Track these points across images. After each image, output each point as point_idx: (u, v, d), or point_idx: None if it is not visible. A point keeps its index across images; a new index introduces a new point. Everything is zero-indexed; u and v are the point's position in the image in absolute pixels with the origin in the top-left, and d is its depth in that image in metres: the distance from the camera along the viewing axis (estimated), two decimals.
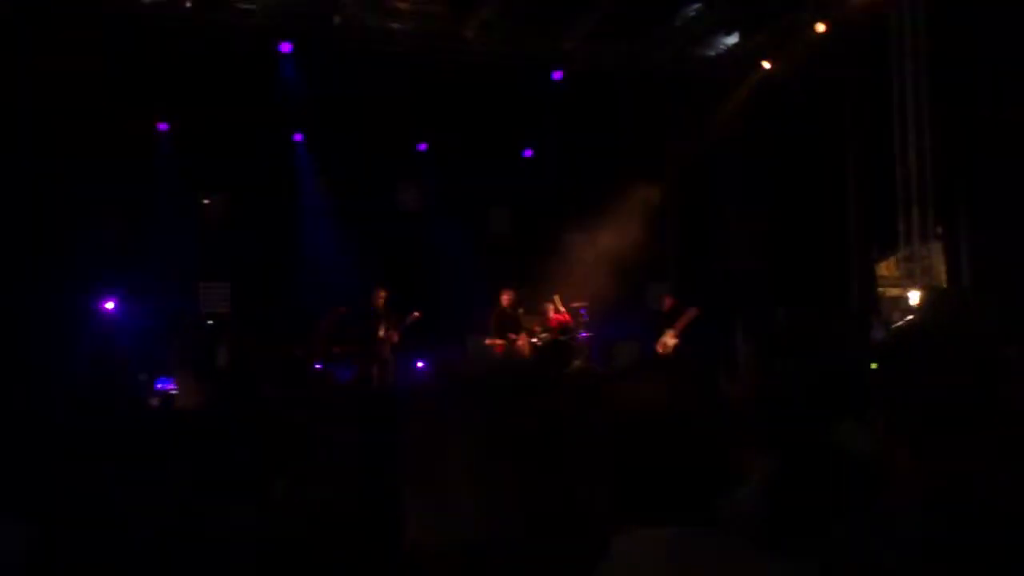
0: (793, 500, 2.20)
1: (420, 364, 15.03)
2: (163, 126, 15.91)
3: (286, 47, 15.20)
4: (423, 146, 17.77)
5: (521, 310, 14.36)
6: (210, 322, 13.86)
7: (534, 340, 14.41)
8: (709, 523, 1.56)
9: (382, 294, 14.18)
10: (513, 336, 14.05)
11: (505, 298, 14.20)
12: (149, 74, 14.45)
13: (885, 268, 16.81)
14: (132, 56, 14.17)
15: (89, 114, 13.96)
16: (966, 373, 1.83)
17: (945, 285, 14.62)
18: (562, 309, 15.01)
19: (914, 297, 14.17)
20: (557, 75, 16.63)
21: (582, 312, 15.55)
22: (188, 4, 14.23)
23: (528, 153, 18.44)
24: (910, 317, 14.17)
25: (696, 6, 15.75)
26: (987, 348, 1.94)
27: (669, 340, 14.53)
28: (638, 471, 1.57)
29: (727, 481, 1.66)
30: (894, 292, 15.86)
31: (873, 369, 2.00)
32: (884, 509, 1.72)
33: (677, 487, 1.57)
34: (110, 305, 14.62)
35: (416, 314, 14.32)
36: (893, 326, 12.46)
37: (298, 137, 17.04)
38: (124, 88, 14.33)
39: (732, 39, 16.77)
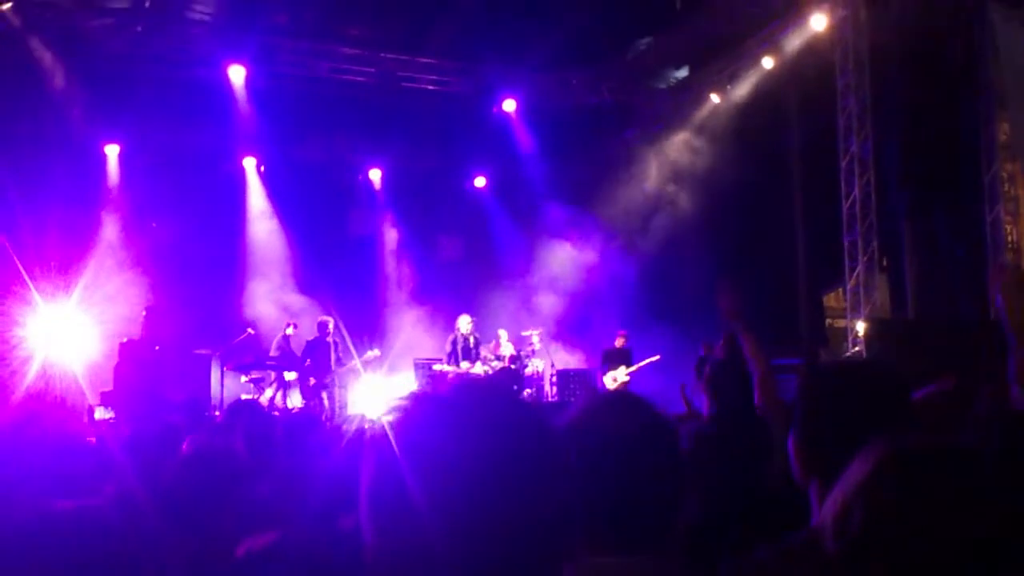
0: (716, 533, 2.25)
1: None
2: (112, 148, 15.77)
3: (237, 71, 15.14)
4: (375, 173, 17.79)
5: (475, 338, 14.35)
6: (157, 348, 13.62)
7: (486, 369, 14.39)
8: (659, 552, 1.59)
9: (330, 322, 14.08)
10: (468, 363, 14.02)
11: (462, 324, 14.18)
12: (98, 95, 14.31)
13: (833, 299, 17.06)
14: (81, 76, 14.05)
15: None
16: (870, 409, 1.89)
17: (889, 316, 14.87)
18: (507, 344, 14.98)
19: (860, 327, 14.39)
20: (509, 106, 16.75)
21: (532, 340, 15.57)
22: (139, 28, 14.14)
23: (479, 182, 18.55)
24: (857, 348, 14.42)
25: (647, 40, 16.00)
26: (892, 383, 2.00)
27: (620, 375, 14.62)
28: (596, 500, 1.59)
29: (676, 511, 1.68)
30: (841, 323, 16.08)
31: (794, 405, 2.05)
32: (801, 536, 1.76)
33: (630, 518, 1.59)
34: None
35: (376, 352, 14.22)
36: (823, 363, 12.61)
37: (249, 162, 16.96)
38: (73, 108, 14.19)
39: (682, 72, 17.04)
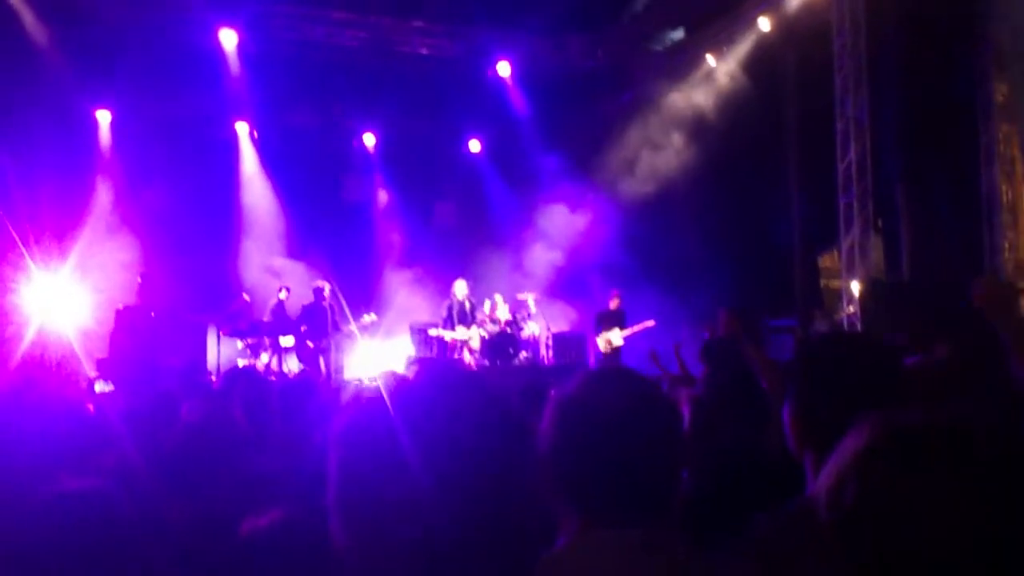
0: (715, 503, 2.27)
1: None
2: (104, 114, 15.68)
3: (229, 36, 15.02)
4: (369, 138, 17.72)
5: (470, 303, 14.35)
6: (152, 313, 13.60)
7: (482, 332, 14.41)
8: (661, 524, 1.60)
9: (326, 286, 14.06)
10: (464, 328, 14.04)
11: (457, 289, 14.18)
12: (89, 61, 14.21)
13: (828, 260, 17.07)
14: (71, 42, 13.94)
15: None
16: (868, 377, 1.91)
17: (884, 276, 14.90)
18: (503, 307, 14.98)
19: (855, 288, 14.43)
20: (503, 69, 16.65)
21: (528, 303, 15.59)
22: None
23: (473, 146, 18.49)
24: (851, 309, 14.46)
25: (642, 2, 15.87)
26: (887, 354, 2.02)
27: (615, 338, 14.63)
28: (593, 474, 1.60)
29: (677, 483, 1.69)
30: (837, 284, 16.11)
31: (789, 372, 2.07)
32: (795, 505, 1.78)
33: (627, 491, 1.60)
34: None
35: (372, 317, 14.23)
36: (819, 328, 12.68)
37: (242, 127, 16.87)
38: (64, 75, 14.09)
39: (678, 34, 16.92)
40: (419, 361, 12.83)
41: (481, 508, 1.19)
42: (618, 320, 14.76)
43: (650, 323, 14.70)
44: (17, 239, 13.78)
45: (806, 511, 1.74)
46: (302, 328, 13.65)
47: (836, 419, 1.69)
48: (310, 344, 13.59)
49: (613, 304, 14.92)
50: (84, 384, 10.92)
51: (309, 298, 14.06)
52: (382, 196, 17.76)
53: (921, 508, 1.39)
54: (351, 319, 13.95)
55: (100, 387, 10.85)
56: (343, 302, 13.97)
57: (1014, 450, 1.43)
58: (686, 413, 2.95)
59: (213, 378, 11.96)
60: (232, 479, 2.74)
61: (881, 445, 1.49)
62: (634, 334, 14.67)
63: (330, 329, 13.65)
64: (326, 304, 13.72)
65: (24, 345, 13.34)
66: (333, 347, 13.79)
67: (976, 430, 1.47)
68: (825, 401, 1.93)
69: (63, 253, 14.45)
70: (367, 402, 1.28)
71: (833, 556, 1.52)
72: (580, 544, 1.57)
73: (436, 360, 12.71)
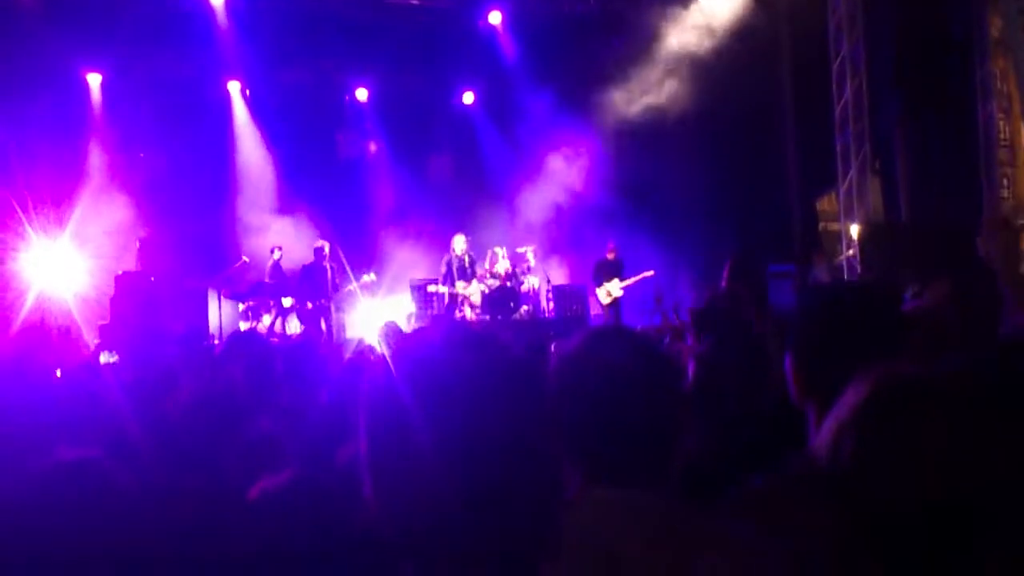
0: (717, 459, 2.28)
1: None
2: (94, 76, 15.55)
3: None
4: (362, 93, 17.58)
5: (469, 258, 14.33)
6: (152, 279, 13.60)
7: (482, 287, 14.41)
8: (661, 482, 1.62)
9: (326, 246, 14.04)
10: (464, 283, 14.03)
11: (456, 244, 14.15)
12: (77, 23, 14.06)
13: (827, 203, 17.03)
14: (58, 4, 13.79)
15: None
16: (872, 334, 1.92)
17: (882, 217, 14.88)
18: (503, 261, 14.97)
19: (853, 231, 14.42)
20: (495, 18, 16.48)
21: (527, 256, 15.58)
22: None
23: (467, 98, 18.35)
24: (850, 252, 14.46)
25: None
26: (888, 304, 2.02)
27: (614, 289, 14.65)
28: (595, 434, 1.62)
29: (679, 442, 1.70)
30: (835, 227, 16.09)
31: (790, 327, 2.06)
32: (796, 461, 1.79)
33: (634, 449, 1.61)
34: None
35: (372, 276, 14.22)
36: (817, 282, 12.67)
37: (234, 86, 16.73)
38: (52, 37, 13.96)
39: None
40: (433, 319, 12.86)
41: (500, 460, 1.21)
42: (616, 270, 14.77)
43: (649, 273, 14.73)
44: (15, 205, 13.75)
45: (806, 464, 1.75)
46: (303, 287, 13.66)
47: (837, 369, 1.70)
48: (309, 305, 13.61)
49: (610, 255, 14.91)
50: (89, 354, 10.94)
51: (306, 257, 14.05)
52: (377, 151, 17.65)
53: (918, 460, 1.42)
54: (352, 278, 13.95)
55: (105, 358, 10.87)
56: (344, 261, 13.96)
57: (1010, 402, 1.45)
58: (689, 367, 2.96)
59: (216, 342, 12.01)
60: (235, 444, 2.76)
61: (880, 399, 1.51)
62: (634, 284, 14.70)
63: (330, 289, 13.67)
64: (326, 264, 13.71)
65: (24, 312, 13.37)
66: (333, 307, 13.81)
67: (973, 384, 1.49)
68: (826, 352, 1.94)
69: (60, 219, 14.42)
70: (392, 363, 1.29)
71: (832, 507, 1.54)
72: (580, 502, 1.59)
73: (450, 320, 12.72)
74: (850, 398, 1.55)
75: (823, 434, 1.60)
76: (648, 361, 1.69)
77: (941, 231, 12.31)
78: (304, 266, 13.82)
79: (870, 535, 1.46)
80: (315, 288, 13.57)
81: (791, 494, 1.71)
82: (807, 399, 1.97)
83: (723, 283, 5.39)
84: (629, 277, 14.74)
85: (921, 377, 1.52)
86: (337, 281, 13.80)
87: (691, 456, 1.68)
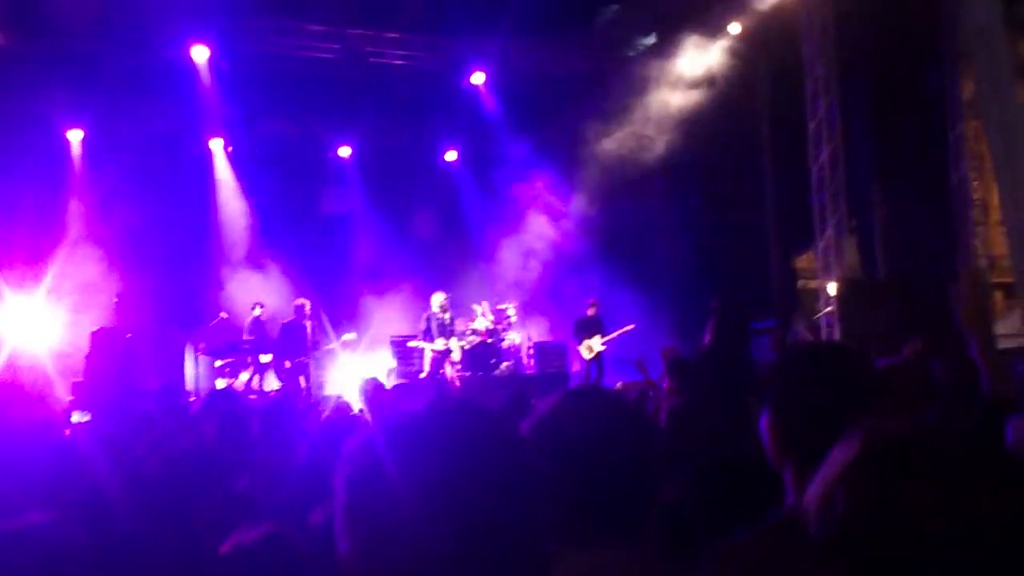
0: (701, 512, 2.27)
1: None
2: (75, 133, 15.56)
3: (201, 51, 14.93)
4: (345, 150, 17.68)
5: (449, 315, 14.31)
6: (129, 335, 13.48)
7: (463, 344, 14.40)
8: (638, 543, 1.60)
9: (306, 304, 13.98)
10: (443, 340, 13.99)
11: (434, 302, 14.14)
12: (59, 80, 14.09)
13: (805, 261, 17.16)
14: (40, 60, 13.83)
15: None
16: (843, 388, 1.92)
17: (859, 276, 15.01)
18: (482, 318, 14.99)
19: (831, 288, 14.51)
20: (478, 78, 16.67)
21: (508, 313, 15.60)
22: (98, 9, 13.91)
23: (450, 156, 18.50)
24: (829, 309, 14.54)
25: (614, 8, 15.93)
26: (864, 366, 2.03)
27: (596, 345, 14.68)
28: (573, 493, 1.60)
29: (654, 502, 1.69)
30: (813, 284, 16.20)
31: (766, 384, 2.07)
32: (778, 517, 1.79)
33: (610, 509, 1.60)
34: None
35: (352, 335, 14.18)
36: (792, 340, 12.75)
37: (216, 143, 16.78)
38: (33, 94, 13.99)
39: (650, 40, 17.00)
40: (412, 378, 12.82)
41: (482, 522, 1.20)
42: (597, 327, 14.79)
43: (630, 327, 14.75)
44: None
45: (788, 523, 1.74)
46: (282, 345, 13.58)
47: (814, 430, 1.70)
48: (288, 363, 13.53)
49: (591, 311, 14.95)
50: (60, 413, 10.75)
51: (287, 313, 13.99)
52: (360, 208, 17.71)
53: (912, 518, 1.41)
54: (332, 336, 13.90)
55: (77, 417, 10.71)
56: (324, 319, 13.93)
57: (995, 457, 1.44)
58: (663, 418, 2.96)
59: (193, 399, 11.88)
60: (210, 502, 2.72)
61: (870, 456, 1.50)
62: (616, 338, 14.72)
63: (309, 346, 13.61)
64: (306, 321, 13.67)
65: None
66: (312, 364, 13.74)
67: (958, 439, 1.49)
68: (803, 412, 1.93)
69: (37, 274, 14.32)
70: (374, 425, 1.28)
71: (821, 564, 1.52)
72: (558, 567, 1.56)
73: (430, 383, 12.69)
74: (839, 455, 1.54)
75: (810, 493, 1.59)
76: (621, 422, 1.68)
77: (917, 288, 12.42)
78: (284, 323, 13.76)
79: None
80: (295, 345, 13.50)
81: (773, 552, 1.70)
82: (783, 457, 1.97)
83: (707, 337, 5.42)
84: (610, 332, 14.75)
85: (911, 434, 1.52)
86: (317, 339, 13.75)
87: (671, 509, 1.66)
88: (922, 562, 1.38)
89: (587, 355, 14.71)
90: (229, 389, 12.18)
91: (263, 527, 2.02)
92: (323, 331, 13.90)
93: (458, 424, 1.23)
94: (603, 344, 14.69)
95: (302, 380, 13.48)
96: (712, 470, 2.63)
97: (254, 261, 16.27)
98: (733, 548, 1.79)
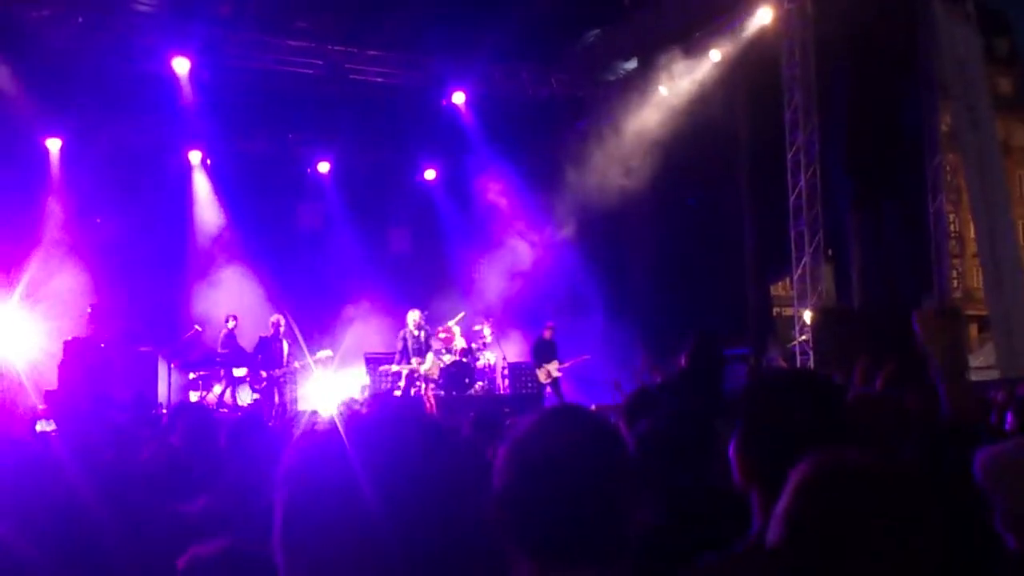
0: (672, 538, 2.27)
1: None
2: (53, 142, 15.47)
3: (182, 63, 14.88)
4: (324, 166, 17.66)
5: (424, 333, 14.25)
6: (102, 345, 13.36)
7: (439, 363, 14.34)
8: (614, 565, 1.59)
9: (281, 320, 13.89)
10: (418, 359, 13.92)
11: (410, 320, 14.08)
12: (39, 89, 14.02)
13: (781, 288, 17.27)
14: (21, 69, 13.76)
15: None
16: (812, 414, 1.94)
17: (834, 304, 15.10)
18: (459, 338, 15.02)
19: (807, 316, 14.59)
20: (458, 98, 16.71)
21: (484, 333, 15.58)
22: (80, 19, 13.88)
23: (428, 174, 18.52)
24: (803, 337, 14.62)
25: (595, 32, 16.03)
26: (832, 394, 2.06)
27: (553, 370, 14.81)
28: (541, 518, 1.59)
29: (631, 524, 1.68)
30: (789, 311, 16.28)
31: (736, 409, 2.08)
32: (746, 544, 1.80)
33: (582, 533, 1.59)
34: None
35: (328, 352, 14.11)
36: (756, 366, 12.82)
37: (195, 155, 16.73)
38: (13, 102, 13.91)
39: (631, 64, 17.12)
40: (373, 397, 12.76)
41: (433, 543, 1.18)
42: (552, 350, 14.92)
43: (586, 357, 14.97)
44: None
45: (752, 549, 1.75)
46: (258, 358, 13.49)
47: (781, 457, 1.71)
48: (263, 374, 13.45)
49: (547, 334, 15.06)
50: (25, 422, 10.65)
51: (261, 327, 13.91)
52: (337, 224, 17.67)
53: (851, 544, 1.45)
54: (307, 353, 13.82)
55: (42, 426, 10.60)
56: (299, 335, 13.85)
57: (939, 490, 1.49)
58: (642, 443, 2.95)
59: (164, 411, 11.78)
60: (171, 518, 2.68)
61: (816, 484, 1.54)
62: (571, 366, 14.91)
63: (285, 361, 13.53)
64: (281, 337, 13.59)
65: None
66: (287, 379, 13.66)
67: (903, 472, 1.53)
68: (770, 439, 1.94)
69: (11, 282, 14.20)
70: (317, 437, 1.27)
71: None
72: None
73: (387, 397, 12.62)
74: (791, 482, 1.57)
75: (773, 515, 1.61)
76: (598, 443, 1.67)
77: (890, 318, 12.50)
78: (261, 338, 13.67)
79: None
80: (270, 360, 13.42)
81: (737, 572, 1.71)
82: (750, 484, 1.97)
83: (683, 362, 5.42)
84: (565, 359, 14.90)
85: (857, 461, 1.55)
86: (292, 355, 13.67)
87: (644, 532, 1.66)
88: None
89: (543, 379, 14.86)
90: (199, 402, 12.09)
91: (220, 542, 2.00)
92: (298, 348, 13.81)
93: (396, 430, 1.22)
94: (559, 370, 14.84)
95: (276, 395, 13.39)
96: (680, 494, 2.62)
97: (229, 273, 16.19)
98: (702, 567, 1.80)
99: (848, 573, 1.45)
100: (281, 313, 13.90)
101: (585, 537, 1.59)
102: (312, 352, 13.82)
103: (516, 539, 1.58)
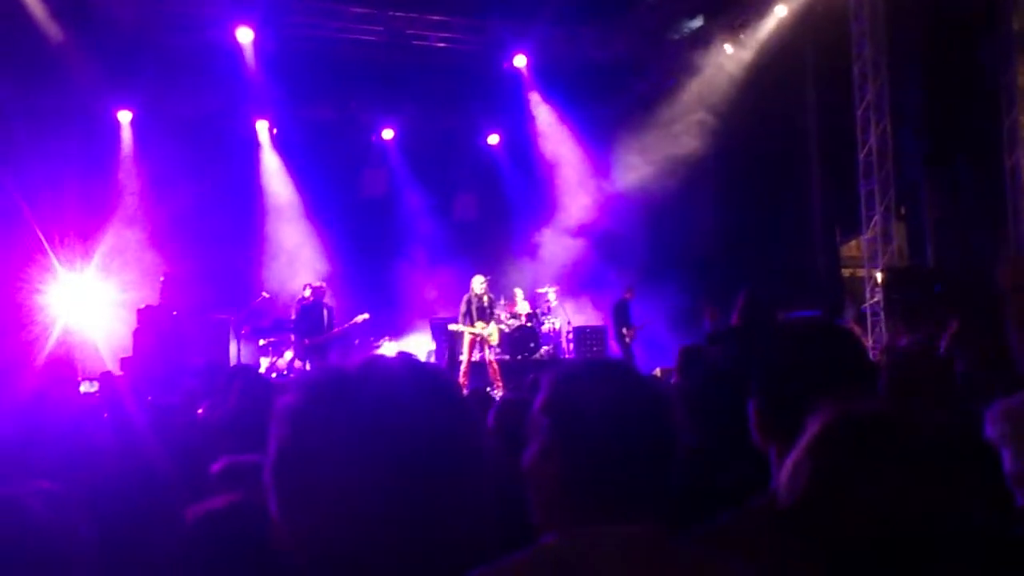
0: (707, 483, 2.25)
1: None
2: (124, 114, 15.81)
3: (246, 33, 15.04)
4: (388, 133, 17.74)
5: (489, 298, 14.31)
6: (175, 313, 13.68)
7: (502, 327, 14.41)
8: (651, 518, 1.59)
9: (323, 287, 13.99)
10: (483, 323, 13.99)
11: (475, 285, 14.15)
12: (108, 62, 14.32)
13: (855, 249, 16.87)
14: (90, 44, 14.06)
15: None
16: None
17: (907, 263, 14.74)
18: (523, 302, 15.06)
19: (878, 277, 14.28)
20: (520, 61, 16.61)
21: (548, 297, 15.60)
22: None
23: (492, 139, 18.48)
24: (875, 299, 14.32)
25: None
26: (850, 346, 2.00)
27: (630, 334, 14.82)
28: (580, 469, 1.59)
29: (670, 477, 1.67)
30: (860, 272, 15.93)
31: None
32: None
33: (621, 484, 1.59)
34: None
35: (364, 316, 14.22)
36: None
37: (261, 125, 16.94)
38: (84, 76, 14.24)
39: (696, 22, 16.81)
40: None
41: (426, 496, 1.18)
42: (627, 314, 14.94)
43: (643, 325, 14.91)
44: (43, 239, 13.96)
45: (769, 503, 1.73)
46: (303, 325, 13.65)
47: (798, 411, 1.68)
48: (306, 341, 13.59)
49: (628, 295, 15.01)
50: (71, 384, 10.97)
51: (335, 294, 14.10)
52: (402, 191, 17.78)
53: (865, 494, 1.42)
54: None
55: (85, 387, 10.93)
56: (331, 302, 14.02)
57: (954, 444, 1.44)
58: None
59: None
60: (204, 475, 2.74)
61: (831, 434, 1.50)
62: (646, 328, 14.88)
63: (326, 327, 13.61)
64: (326, 301, 13.73)
65: (49, 345, 13.52)
66: (333, 345, 13.73)
67: (919, 423, 1.49)
68: (786, 393, 1.90)
69: (87, 253, 14.63)
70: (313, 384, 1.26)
71: (788, 540, 1.53)
72: (571, 540, 1.55)
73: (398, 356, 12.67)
74: (806, 433, 1.54)
75: (782, 470, 1.59)
76: (637, 395, 1.66)
77: (965, 277, 12.19)
78: (303, 305, 13.78)
79: (823, 567, 1.45)
80: (312, 326, 13.54)
81: (752, 528, 1.69)
82: (768, 440, 1.95)
83: (734, 319, 5.36)
84: (634, 322, 14.83)
85: (873, 413, 1.51)
86: (332, 320, 13.76)
87: (690, 454, 1.66)
88: (870, 536, 1.38)
89: (628, 338, 14.81)
90: (249, 366, 12.34)
91: (232, 496, 2.03)
92: (339, 314, 13.93)
93: (392, 380, 1.22)
94: (630, 335, 14.83)
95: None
96: (706, 453, 2.61)
97: (297, 242, 16.44)
98: (717, 525, 1.79)
99: (854, 523, 1.43)
100: (346, 278, 14.05)
101: (621, 490, 1.58)
102: (350, 318, 13.92)
103: (553, 490, 1.59)
